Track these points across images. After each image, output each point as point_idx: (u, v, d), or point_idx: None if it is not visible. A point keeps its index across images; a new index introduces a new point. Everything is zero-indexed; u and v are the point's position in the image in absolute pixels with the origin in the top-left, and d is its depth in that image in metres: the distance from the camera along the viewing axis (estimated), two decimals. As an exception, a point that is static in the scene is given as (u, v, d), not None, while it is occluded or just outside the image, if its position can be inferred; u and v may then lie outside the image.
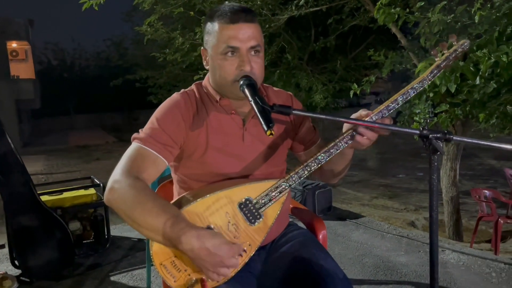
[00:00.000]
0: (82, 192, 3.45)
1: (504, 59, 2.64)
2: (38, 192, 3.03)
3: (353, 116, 1.21)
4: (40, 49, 26.26)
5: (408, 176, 8.79)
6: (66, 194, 3.38)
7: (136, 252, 3.34)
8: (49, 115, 23.35)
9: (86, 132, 21.12)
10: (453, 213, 4.75)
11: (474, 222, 5.03)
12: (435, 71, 1.30)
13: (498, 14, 2.86)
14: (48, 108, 21.87)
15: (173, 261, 1.13)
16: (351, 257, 3.06)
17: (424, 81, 1.28)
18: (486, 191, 5.05)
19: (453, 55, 1.33)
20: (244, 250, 1.18)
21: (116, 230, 3.84)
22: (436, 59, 1.34)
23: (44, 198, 3.14)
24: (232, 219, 1.18)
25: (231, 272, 1.10)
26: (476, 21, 2.93)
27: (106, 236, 3.48)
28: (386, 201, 6.91)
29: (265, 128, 1.04)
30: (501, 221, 4.50)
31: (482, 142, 1.15)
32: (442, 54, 1.34)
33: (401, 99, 1.25)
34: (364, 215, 4.10)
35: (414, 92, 1.26)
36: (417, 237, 3.40)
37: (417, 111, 3.93)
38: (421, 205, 6.62)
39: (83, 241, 3.46)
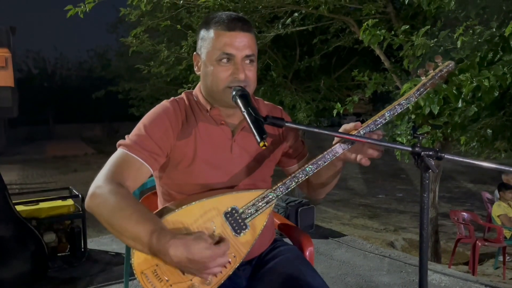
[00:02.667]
0: (59, 203, 3.35)
1: (486, 83, 2.70)
2: (14, 201, 2.92)
3: (342, 128, 1.21)
4: (21, 57, 25.81)
5: (388, 196, 8.88)
6: (42, 205, 3.28)
7: (113, 266, 3.24)
8: (27, 124, 22.83)
9: (64, 143, 20.66)
10: (432, 234, 4.79)
11: (452, 244, 5.09)
12: (421, 89, 1.33)
13: (479, 40, 2.95)
14: (26, 117, 21.40)
15: (155, 270, 1.09)
16: (334, 276, 3.04)
17: (411, 98, 1.30)
18: (464, 213, 5.13)
19: (439, 75, 1.37)
20: (229, 262, 1.15)
21: (93, 243, 3.73)
22: (422, 78, 1.37)
23: (19, 208, 3.03)
24: (217, 229, 1.15)
25: (221, 271, 1.09)
26: (458, 46, 3.01)
27: (83, 249, 3.37)
28: (366, 221, 6.94)
29: (258, 139, 1.02)
30: (478, 243, 4.57)
31: (472, 161, 1.16)
32: (428, 74, 1.37)
33: (388, 114, 1.26)
34: (346, 234, 4.09)
35: (401, 109, 1.28)
36: (399, 257, 3.40)
37: (399, 132, 3.99)
38: (400, 225, 6.67)
39: (58, 254, 3.34)
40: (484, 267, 5.18)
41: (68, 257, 3.36)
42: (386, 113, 1.25)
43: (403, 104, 1.28)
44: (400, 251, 5.02)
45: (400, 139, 3.89)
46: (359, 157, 1.21)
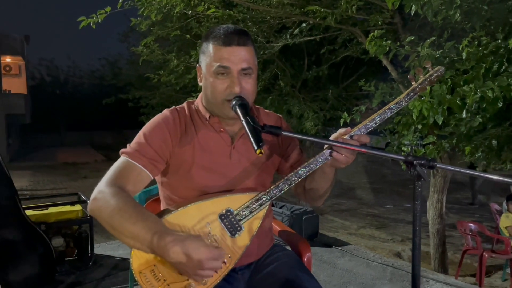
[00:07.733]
0: (68, 208, 3.41)
1: (490, 94, 2.71)
2: (24, 206, 2.98)
3: (334, 135, 1.25)
4: (34, 65, 26.27)
5: (396, 207, 8.84)
6: (51, 210, 3.34)
7: (119, 271, 3.28)
8: (39, 131, 23.15)
9: (75, 150, 20.92)
10: (439, 245, 4.76)
11: (460, 255, 5.05)
12: (411, 94, 1.36)
13: (485, 52, 2.96)
14: (38, 124, 21.71)
15: (153, 270, 1.14)
16: (336, 284, 3.05)
17: (401, 103, 1.33)
18: (471, 224, 5.10)
19: (428, 80, 1.39)
20: (224, 262, 1.19)
21: (100, 248, 3.78)
22: (412, 83, 1.40)
23: (28, 212, 3.10)
24: (213, 230, 1.20)
25: (213, 274, 1.12)
26: (464, 57, 3.03)
27: (90, 254, 3.42)
28: (373, 231, 6.92)
29: (255, 147, 1.06)
30: (486, 254, 4.53)
31: (465, 171, 1.19)
32: (418, 79, 1.40)
33: (379, 118, 1.29)
34: (350, 243, 4.09)
35: (391, 113, 1.31)
36: (402, 267, 3.39)
37: (406, 142, 4.00)
38: (408, 236, 6.64)
39: (66, 258, 3.39)
40: (492, 279, 5.13)
41: (75, 261, 3.41)
42: (376, 117, 1.28)
43: (393, 108, 1.31)
44: (407, 261, 5.00)
45: (406, 149, 3.90)
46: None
